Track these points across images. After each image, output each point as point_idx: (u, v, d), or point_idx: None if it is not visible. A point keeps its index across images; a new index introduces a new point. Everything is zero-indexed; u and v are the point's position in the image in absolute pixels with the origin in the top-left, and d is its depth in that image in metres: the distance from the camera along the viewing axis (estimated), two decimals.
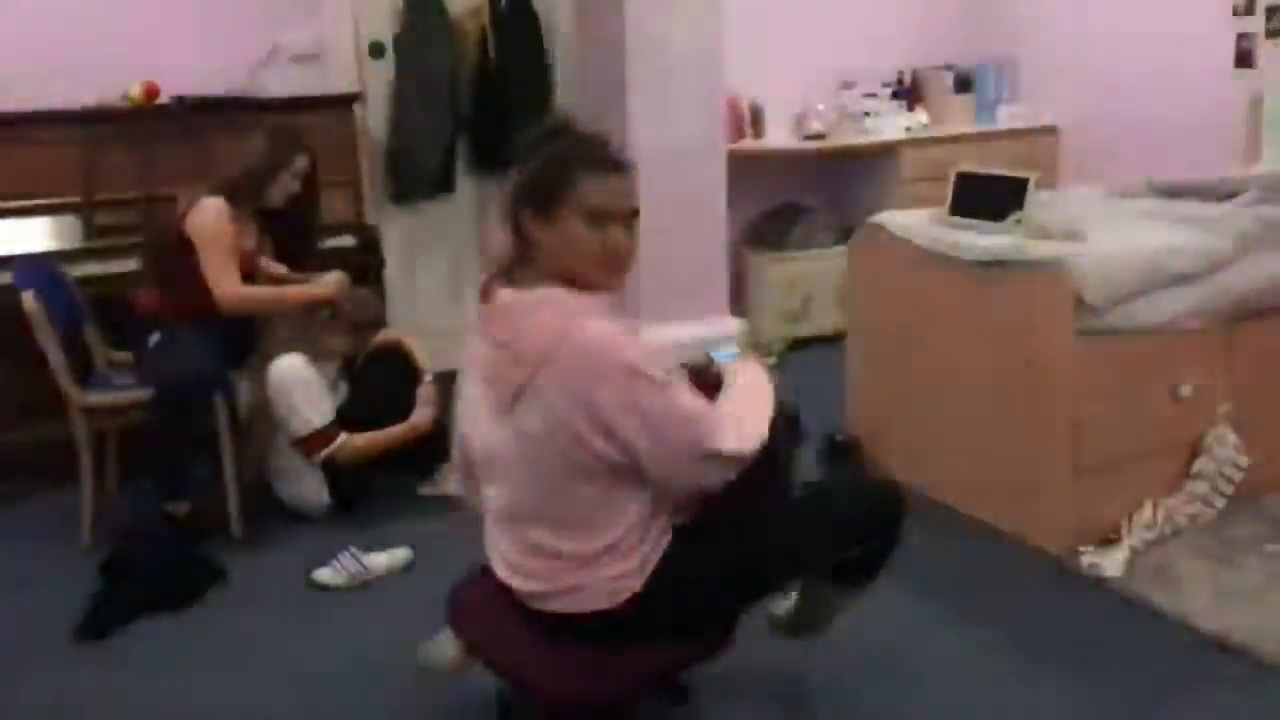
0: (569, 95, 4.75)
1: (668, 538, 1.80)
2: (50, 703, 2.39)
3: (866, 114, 5.12)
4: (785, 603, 2.14)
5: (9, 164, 3.54)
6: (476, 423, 1.85)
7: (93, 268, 3.50)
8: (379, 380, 3.37)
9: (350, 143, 4.13)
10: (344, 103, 4.13)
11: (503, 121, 4.45)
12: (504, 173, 4.44)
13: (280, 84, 4.04)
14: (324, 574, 2.85)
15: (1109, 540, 2.85)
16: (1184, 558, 2.80)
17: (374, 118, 4.42)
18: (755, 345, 4.78)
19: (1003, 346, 2.95)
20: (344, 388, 3.36)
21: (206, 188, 3.16)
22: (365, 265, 3.84)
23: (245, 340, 3.33)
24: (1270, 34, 4.42)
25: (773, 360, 4.69)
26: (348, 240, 3.95)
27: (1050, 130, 5.26)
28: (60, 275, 3.32)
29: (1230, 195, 3.27)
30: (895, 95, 5.31)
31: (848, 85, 5.21)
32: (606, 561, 1.76)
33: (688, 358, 2.02)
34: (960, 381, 3.10)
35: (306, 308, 3.25)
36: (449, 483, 3.25)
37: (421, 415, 3.28)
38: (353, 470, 3.23)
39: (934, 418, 3.21)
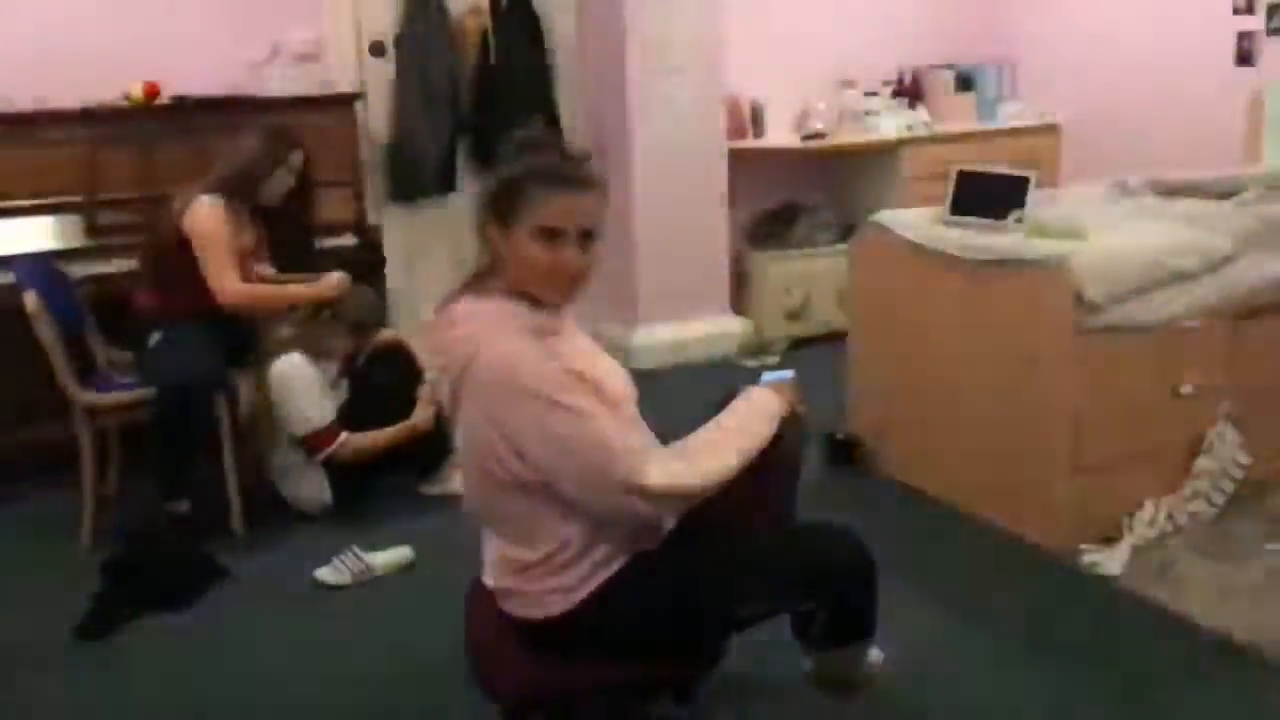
0: (569, 95, 4.75)
1: (620, 561, 1.78)
2: (52, 702, 2.39)
3: (867, 112, 5.11)
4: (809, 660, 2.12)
5: (11, 163, 3.55)
6: None
7: (94, 267, 3.50)
8: (380, 380, 3.37)
9: (351, 142, 4.13)
10: (345, 102, 4.13)
11: (503, 121, 4.45)
12: None
13: (281, 83, 4.04)
14: (326, 573, 2.85)
15: (1110, 538, 2.85)
16: (1185, 556, 2.80)
17: (375, 117, 4.43)
18: (756, 344, 4.79)
19: (1003, 345, 2.95)
20: (345, 387, 3.36)
21: (201, 187, 3.16)
22: (366, 265, 3.84)
23: (246, 340, 3.33)
24: (1271, 32, 4.42)
25: (774, 359, 4.71)
26: (348, 240, 3.96)
27: (1051, 129, 5.26)
28: (62, 275, 3.32)
29: (1231, 194, 3.27)
30: (896, 94, 5.31)
31: (848, 84, 5.20)
32: (539, 574, 1.77)
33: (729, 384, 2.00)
34: (961, 380, 3.10)
35: (307, 307, 3.25)
36: (451, 481, 3.25)
37: (422, 415, 3.28)
38: (354, 469, 3.23)
39: (935, 416, 3.21)
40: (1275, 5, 4.40)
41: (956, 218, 3.18)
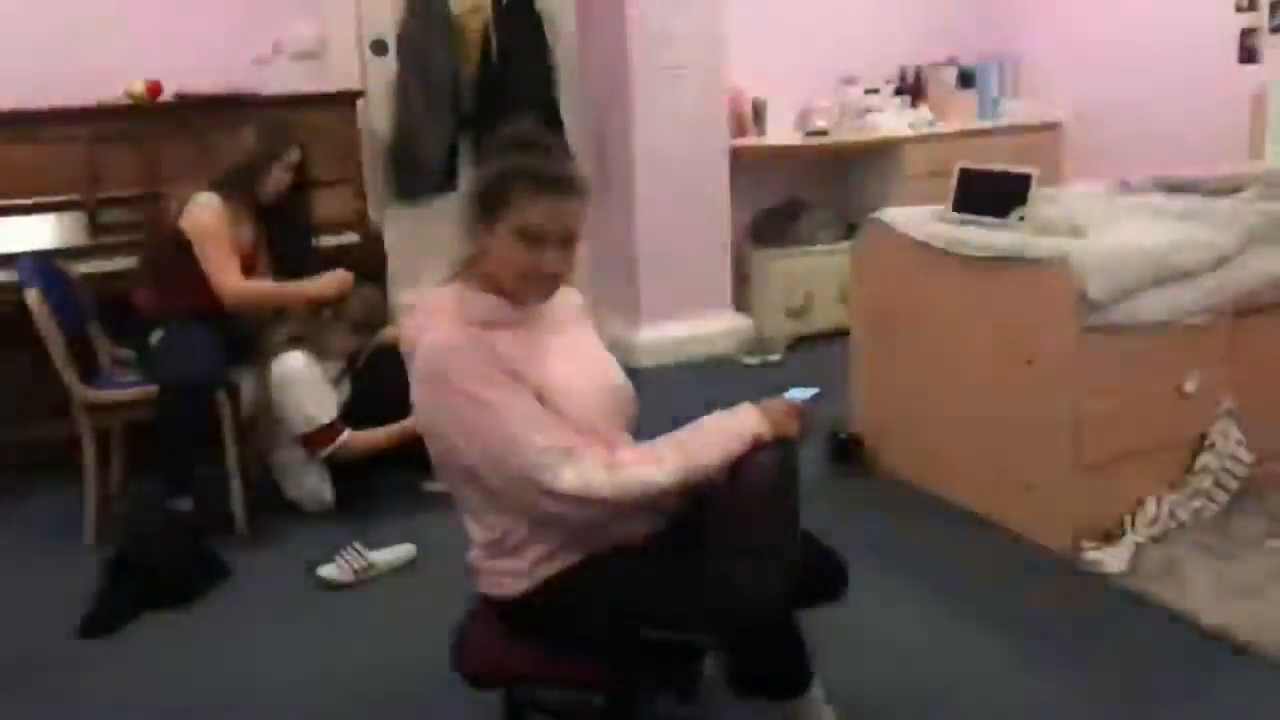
0: (571, 93, 4.75)
1: (573, 556, 1.77)
2: (55, 700, 2.39)
3: (869, 110, 5.11)
4: None
5: (13, 162, 3.55)
6: None
7: (96, 265, 3.51)
8: (382, 377, 3.36)
9: (352, 140, 4.13)
10: (346, 100, 4.13)
11: (505, 119, 4.45)
12: None
13: (282, 81, 4.05)
14: (328, 570, 2.85)
15: (1112, 536, 2.85)
16: (1187, 553, 2.80)
17: (376, 115, 4.43)
18: (758, 342, 4.79)
19: (1006, 343, 2.95)
20: (347, 385, 3.37)
21: (199, 185, 3.16)
22: (368, 263, 3.84)
23: (248, 338, 3.33)
24: (1273, 30, 4.42)
25: (776, 357, 4.71)
26: (350, 238, 3.96)
27: (1053, 126, 5.26)
28: (64, 272, 3.32)
29: (1234, 191, 3.27)
30: (898, 91, 5.31)
31: (850, 82, 5.20)
32: (494, 554, 1.81)
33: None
34: (963, 378, 3.10)
35: (309, 305, 3.26)
36: None
37: None
38: (356, 467, 3.23)
39: (937, 414, 3.21)
40: (1277, 3, 4.39)
41: (959, 215, 3.18)
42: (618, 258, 4.67)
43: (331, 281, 3.29)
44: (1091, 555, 2.78)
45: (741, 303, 4.98)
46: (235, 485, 3.15)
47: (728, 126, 4.77)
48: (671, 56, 4.50)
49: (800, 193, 5.18)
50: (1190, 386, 2.92)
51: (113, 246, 3.56)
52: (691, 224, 4.70)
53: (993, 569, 2.81)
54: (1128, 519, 2.88)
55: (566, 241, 1.75)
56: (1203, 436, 3.00)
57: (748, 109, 5.04)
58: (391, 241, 4.25)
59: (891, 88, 5.30)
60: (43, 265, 3.25)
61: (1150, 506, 2.91)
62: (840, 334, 3.86)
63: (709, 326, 4.80)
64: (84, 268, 3.46)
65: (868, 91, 5.19)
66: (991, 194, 3.12)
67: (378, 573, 2.87)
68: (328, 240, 3.75)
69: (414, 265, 4.53)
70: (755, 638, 1.73)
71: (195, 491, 3.10)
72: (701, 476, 1.74)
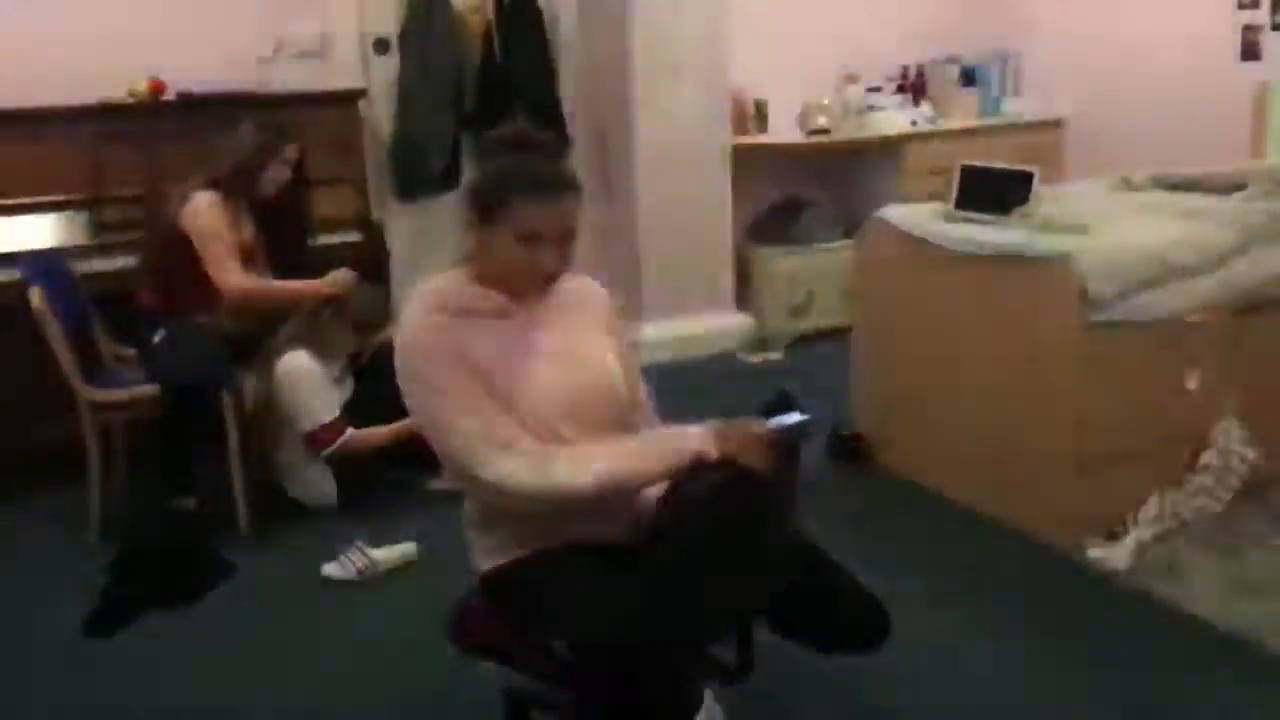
0: (573, 91, 4.75)
1: (534, 545, 1.79)
2: (59, 698, 2.40)
3: (871, 108, 5.11)
4: None
5: (15, 161, 3.55)
6: None
7: (99, 264, 3.51)
8: (384, 376, 3.35)
9: (355, 139, 4.13)
10: (348, 98, 4.14)
11: (508, 117, 4.46)
12: None
13: (285, 80, 4.05)
14: (331, 569, 2.86)
15: (1115, 534, 2.85)
16: (1190, 551, 2.80)
17: (379, 114, 4.43)
18: (759, 340, 4.79)
19: (1007, 341, 2.95)
20: (349, 383, 3.37)
21: (198, 183, 3.17)
22: (370, 261, 3.85)
23: (250, 336, 3.33)
24: (1276, 27, 4.42)
25: (777, 355, 4.71)
26: (353, 236, 3.96)
27: (1055, 124, 5.27)
28: (67, 271, 3.33)
29: (1236, 188, 3.27)
30: (899, 89, 5.31)
31: (852, 79, 5.20)
32: (473, 527, 1.88)
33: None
34: (966, 376, 3.10)
35: (311, 304, 3.26)
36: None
37: None
38: (359, 465, 3.23)
39: (939, 412, 3.21)
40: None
41: (961, 213, 3.18)
42: (619, 256, 4.67)
43: (333, 280, 3.30)
44: (1094, 553, 2.78)
45: (743, 301, 4.98)
46: (238, 484, 3.15)
47: (729, 125, 4.77)
48: (673, 55, 4.50)
49: (802, 191, 5.17)
50: (1192, 384, 2.92)
51: (116, 245, 3.56)
52: (693, 222, 4.70)
53: (995, 567, 2.81)
54: (1130, 517, 2.88)
55: (564, 240, 1.78)
56: (1205, 434, 3.00)
57: (749, 107, 5.04)
58: (393, 240, 4.26)
59: (893, 86, 5.30)
60: (46, 264, 3.25)
61: (1153, 504, 2.91)
62: (842, 332, 3.86)
63: (710, 324, 4.80)
64: (87, 267, 3.46)
65: (869, 90, 5.19)
66: (993, 192, 3.13)
67: (380, 571, 2.87)
68: (330, 239, 3.76)
69: (416, 263, 4.54)
70: (611, 663, 1.63)
71: (198, 490, 3.11)
72: (634, 486, 1.75)
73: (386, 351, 3.37)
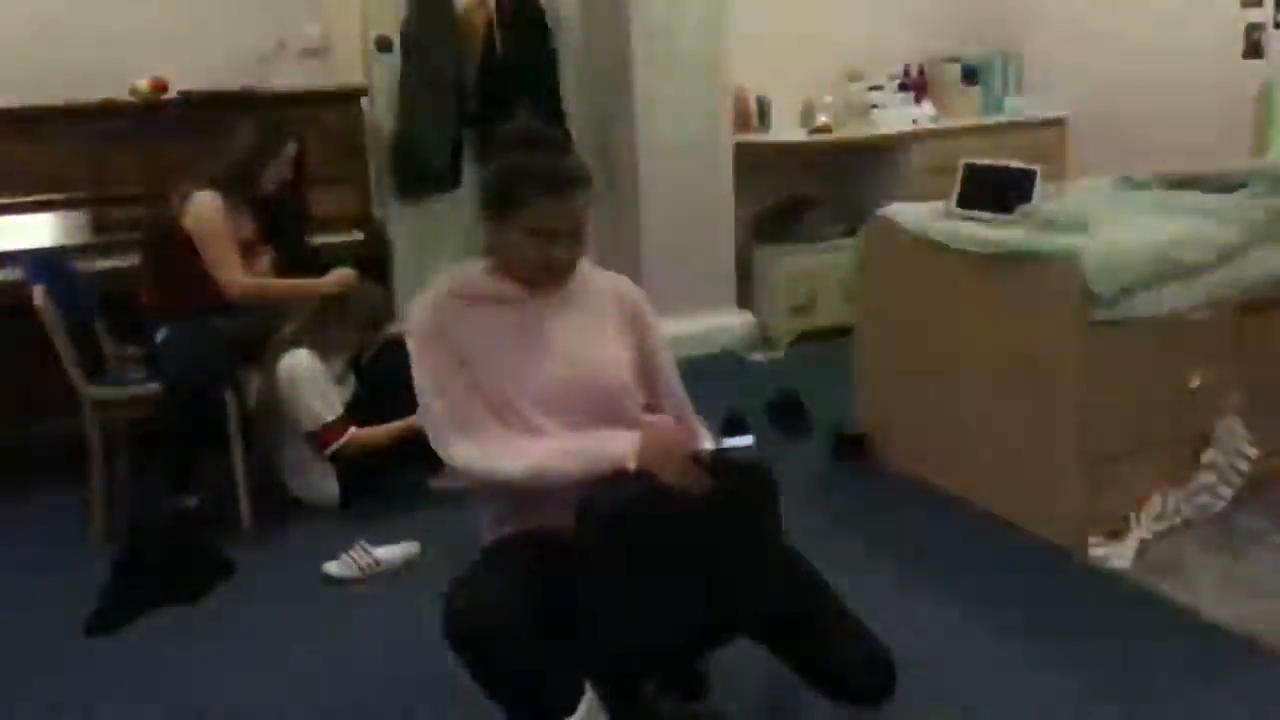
0: (575, 89, 4.75)
1: (526, 524, 1.86)
2: (62, 697, 2.40)
3: (873, 106, 5.11)
4: None
5: (18, 160, 3.56)
6: None
7: (102, 262, 3.52)
8: (387, 375, 3.37)
9: (357, 138, 4.14)
10: (350, 97, 4.14)
11: (509, 116, 4.45)
12: None
13: (287, 79, 4.06)
14: (334, 567, 2.86)
15: (1117, 532, 2.84)
16: (1192, 549, 2.80)
17: (380, 113, 4.43)
18: (762, 339, 4.79)
19: (1010, 339, 2.94)
20: (352, 382, 3.37)
21: (198, 183, 3.17)
22: (372, 260, 3.85)
23: (253, 335, 3.34)
24: (1279, 24, 4.40)
25: (779, 354, 4.71)
26: (354, 235, 3.96)
27: (1057, 122, 5.26)
28: (70, 270, 3.33)
29: (1238, 186, 3.26)
30: (902, 88, 5.30)
31: (854, 78, 5.20)
32: (477, 502, 1.98)
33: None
34: (968, 374, 3.09)
35: (313, 303, 3.26)
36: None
37: None
38: (361, 464, 3.24)
39: (942, 410, 3.21)
40: None
41: (963, 211, 3.17)
42: (621, 254, 4.66)
43: (335, 279, 3.30)
44: (1097, 551, 2.78)
45: (745, 299, 4.98)
46: (240, 483, 3.15)
47: (731, 123, 4.77)
48: (675, 53, 4.49)
49: (804, 189, 5.17)
50: (1195, 382, 2.92)
51: (118, 244, 3.56)
52: (695, 221, 4.69)
53: (997, 565, 2.81)
54: (1133, 515, 2.88)
55: (575, 233, 1.84)
56: (1208, 432, 2.99)
57: (751, 106, 5.04)
58: (395, 238, 4.25)
59: (895, 84, 5.29)
60: (49, 263, 3.26)
61: (1155, 502, 2.91)
62: (844, 330, 3.86)
63: (712, 323, 4.80)
64: (89, 265, 3.47)
65: (871, 88, 5.18)
66: (996, 190, 3.12)
67: (383, 570, 2.87)
68: (331, 238, 3.76)
69: (418, 262, 4.54)
70: (471, 655, 1.67)
71: (200, 489, 3.11)
72: (557, 483, 1.76)
73: (388, 350, 3.43)
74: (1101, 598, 2.63)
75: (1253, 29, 4.47)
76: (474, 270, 1.91)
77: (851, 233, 3.99)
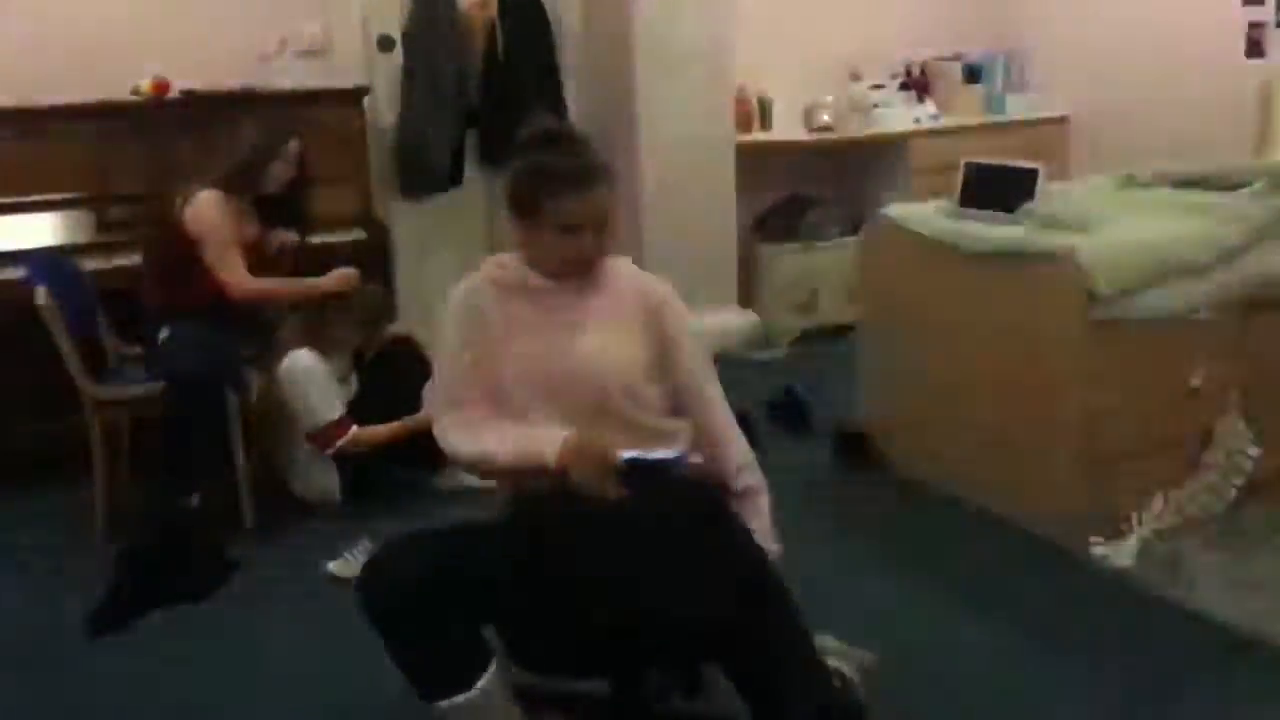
0: (576, 88, 4.75)
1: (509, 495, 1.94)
2: (65, 696, 2.40)
3: (875, 105, 5.10)
4: None
5: (21, 159, 3.56)
6: None
7: (105, 262, 3.52)
8: (389, 374, 3.38)
9: (358, 137, 4.14)
10: (352, 96, 4.14)
11: (511, 115, 4.44)
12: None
13: (288, 78, 4.05)
14: (336, 566, 2.86)
15: (1120, 531, 2.84)
16: (1195, 549, 2.80)
17: (382, 111, 4.43)
18: (764, 338, 4.79)
19: (1012, 338, 2.94)
20: (354, 381, 3.37)
21: (201, 183, 3.17)
22: (374, 259, 3.85)
23: (255, 334, 3.34)
24: None
25: (781, 353, 4.71)
26: (357, 234, 3.96)
27: (1060, 120, 5.25)
28: (73, 269, 3.34)
29: (1241, 185, 3.26)
30: (904, 86, 5.30)
31: (856, 77, 5.20)
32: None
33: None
34: (970, 373, 3.09)
35: (316, 302, 3.26)
36: (461, 474, 3.26)
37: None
38: (363, 463, 3.24)
39: (944, 409, 3.21)
40: None
41: (965, 210, 3.17)
42: (623, 253, 4.66)
43: (337, 278, 3.30)
44: (1098, 550, 2.78)
45: (747, 298, 4.97)
46: (242, 481, 3.16)
47: (733, 122, 4.76)
48: (677, 52, 4.49)
49: (806, 188, 5.17)
50: (1197, 381, 2.92)
51: (121, 244, 3.57)
52: (697, 219, 4.69)
53: (999, 564, 2.81)
54: (1135, 514, 2.88)
55: (601, 226, 1.91)
56: (1210, 431, 2.99)
57: (753, 105, 5.03)
58: (397, 237, 4.25)
59: (897, 83, 5.29)
60: (51, 262, 3.26)
61: (1157, 502, 2.91)
62: (846, 329, 3.87)
63: (714, 322, 4.78)
64: (92, 265, 3.47)
65: (873, 87, 5.17)
66: (998, 189, 3.12)
67: None
68: (333, 237, 3.76)
69: (420, 261, 4.54)
70: (374, 622, 1.75)
71: (203, 488, 3.11)
72: (494, 468, 1.91)
73: (390, 349, 3.43)
74: (1103, 597, 2.62)
75: (1255, 28, 4.47)
76: (512, 259, 1.97)
77: (854, 232, 3.99)
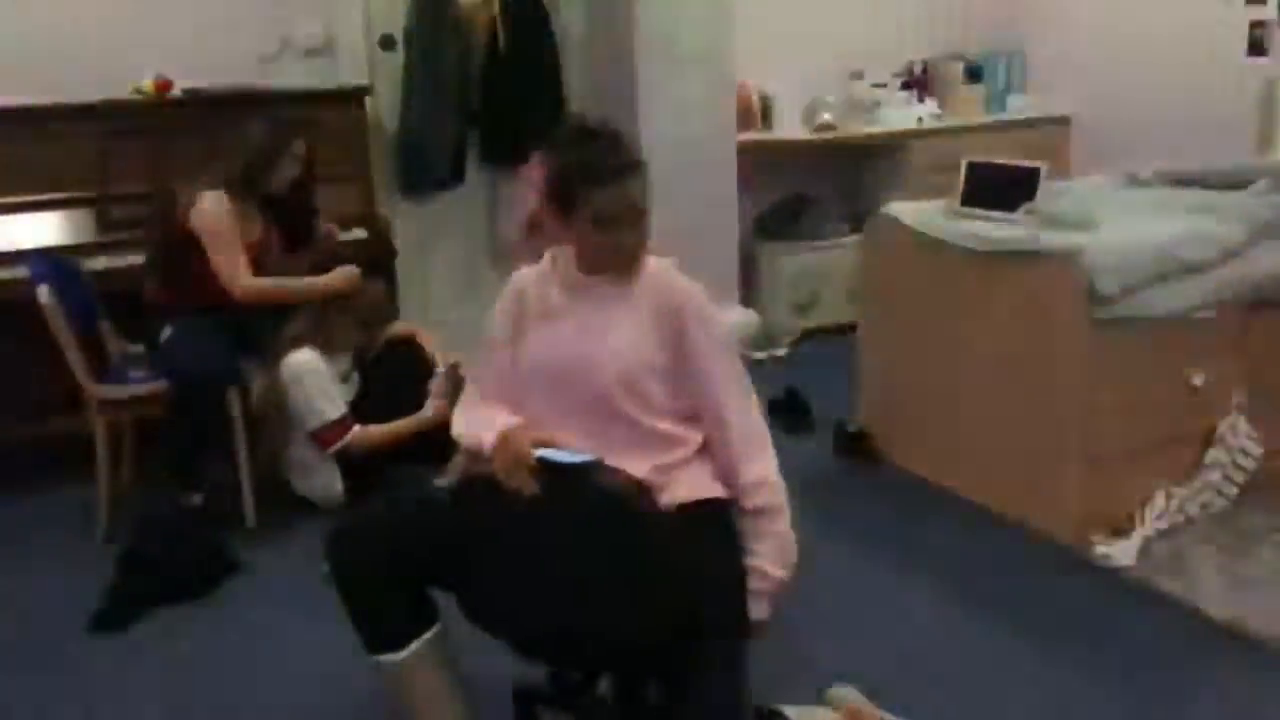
0: (579, 87, 4.75)
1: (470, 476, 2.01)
2: (67, 694, 2.41)
3: (876, 104, 5.10)
4: None
5: (23, 159, 3.56)
6: None
7: (107, 261, 3.52)
8: (391, 373, 3.38)
9: (361, 136, 4.14)
10: (354, 96, 4.14)
11: (512, 114, 4.46)
12: (514, 165, 4.49)
13: (291, 78, 4.06)
14: None
15: (1121, 530, 2.85)
16: (1196, 547, 2.80)
17: (384, 111, 4.43)
18: (766, 337, 4.79)
19: (1014, 337, 2.94)
20: (356, 380, 3.37)
21: (205, 182, 3.17)
22: (376, 258, 3.85)
23: (257, 333, 3.34)
24: None
25: (782, 352, 4.70)
26: (359, 233, 3.96)
27: (1061, 120, 5.25)
28: (75, 269, 3.34)
29: (1243, 184, 3.26)
30: (905, 86, 5.30)
31: (857, 76, 5.20)
32: None
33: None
34: (971, 372, 3.10)
35: (318, 301, 3.26)
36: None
37: (434, 407, 3.29)
38: (366, 462, 3.24)
39: (946, 408, 3.21)
40: None
41: (967, 209, 3.18)
42: None
43: (339, 277, 3.30)
44: (1100, 549, 2.78)
45: (748, 297, 4.97)
46: (245, 481, 3.16)
47: (735, 121, 4.76)
48: (678, 51, 4.49)
49: (807, 187, 5.17)
50: (1198, 380, 2.92)
51: (123, 243, 3.57)
52: (699, 218, 4.68)
53: (1001, 562, 2.81)
54: (1137, 512, 2.88)
55: (637, 218, 1.93)
56: (1211, 430, 2.99)
57: (755, 104, 5.03)
58: (399, 236, 4.25)
59: (899, 82, 5.29)
60: (54, 262, 3.26)
61: (1159, 500, 2.91)
62: (847, 328, 3.86)
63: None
64: (94, 264, 3.47)
65: (875, 86, 5.17)
66: (999, 188, 3.12)
67: None
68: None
69: (422, 260, 4.55)
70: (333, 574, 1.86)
71: (205, 487, 3.11)
72: (466, 448, 1.99)
73: (393, 348, 3.43)
74: (1104, 595, 2.63)
75: (1256, 27, 4.46)
76: (561, 252, 2.01)
77: (855, 231, 3.99)
